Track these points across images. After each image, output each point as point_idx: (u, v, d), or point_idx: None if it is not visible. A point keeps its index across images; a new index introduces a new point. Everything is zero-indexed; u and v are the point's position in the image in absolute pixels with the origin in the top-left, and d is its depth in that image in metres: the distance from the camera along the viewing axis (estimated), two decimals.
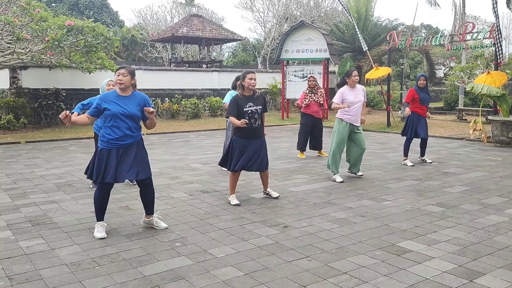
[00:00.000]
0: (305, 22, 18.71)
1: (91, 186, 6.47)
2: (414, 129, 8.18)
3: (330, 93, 17.55)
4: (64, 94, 15.16)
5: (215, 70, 20.43)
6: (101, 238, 4.32)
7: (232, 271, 3.60)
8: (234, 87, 7.69)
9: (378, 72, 14.05)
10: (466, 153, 9.53)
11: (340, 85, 7.15)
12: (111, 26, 38.78)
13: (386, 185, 6.64)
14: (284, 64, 17.94)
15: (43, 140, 11.94)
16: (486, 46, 14.44)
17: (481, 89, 10.32)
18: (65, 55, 13.29)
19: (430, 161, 8.47)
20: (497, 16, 12.30)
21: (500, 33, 12.65)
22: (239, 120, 5.33)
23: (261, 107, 5.55)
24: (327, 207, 5.46)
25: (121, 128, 4.26)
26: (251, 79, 5.40)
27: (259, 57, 32.61)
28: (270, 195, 5.92)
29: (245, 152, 5.50)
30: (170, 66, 26.60)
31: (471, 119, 11.49)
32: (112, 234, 4.49)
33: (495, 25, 12.49)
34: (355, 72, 6.93)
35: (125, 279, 3.45)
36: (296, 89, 17.34)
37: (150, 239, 4.34)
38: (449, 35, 14.75)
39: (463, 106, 18.46)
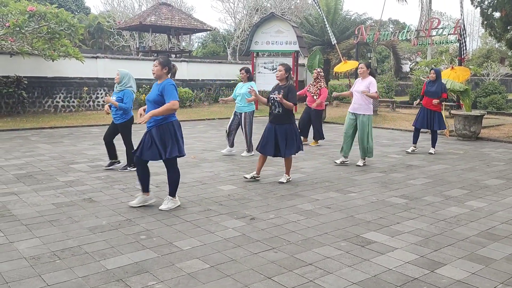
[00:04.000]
0: (275, 14, 18.66)
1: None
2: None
3: (300, 85, 17.63)
4: (26, 82, 14.59)
5: (184, 60, 20.15)
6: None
7: (198, 263, 3.57)
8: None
9: (346, 66, 14.22)
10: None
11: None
12: (76, 13, 37.58)
13: (352, 177, 6.73)
14: (254, 55, 17.88)
15: (3, 130, 11.48)
16: (451, 42, 14.80)
17: (445, 83, 10.57)
18: (27, 42, 12.79)
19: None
20: (462, 13, 12.63)
21: (465, 29, 13.00)
22: None
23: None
24: (294, 199, 5.48)
25: None
26: None
27: (229, 48, 32.34)
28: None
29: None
30: (137, 55, 26.06)
31: None
32: (74, 227, 4.36)
33: (460, 21, 12.82)
34: (360, 65, 7.67)
35: (86, 273, 3.35)
36: (265, 81, 17.30)
37: (114, 232, 4.24)
38: (415, 30, 15.06)
39: None
